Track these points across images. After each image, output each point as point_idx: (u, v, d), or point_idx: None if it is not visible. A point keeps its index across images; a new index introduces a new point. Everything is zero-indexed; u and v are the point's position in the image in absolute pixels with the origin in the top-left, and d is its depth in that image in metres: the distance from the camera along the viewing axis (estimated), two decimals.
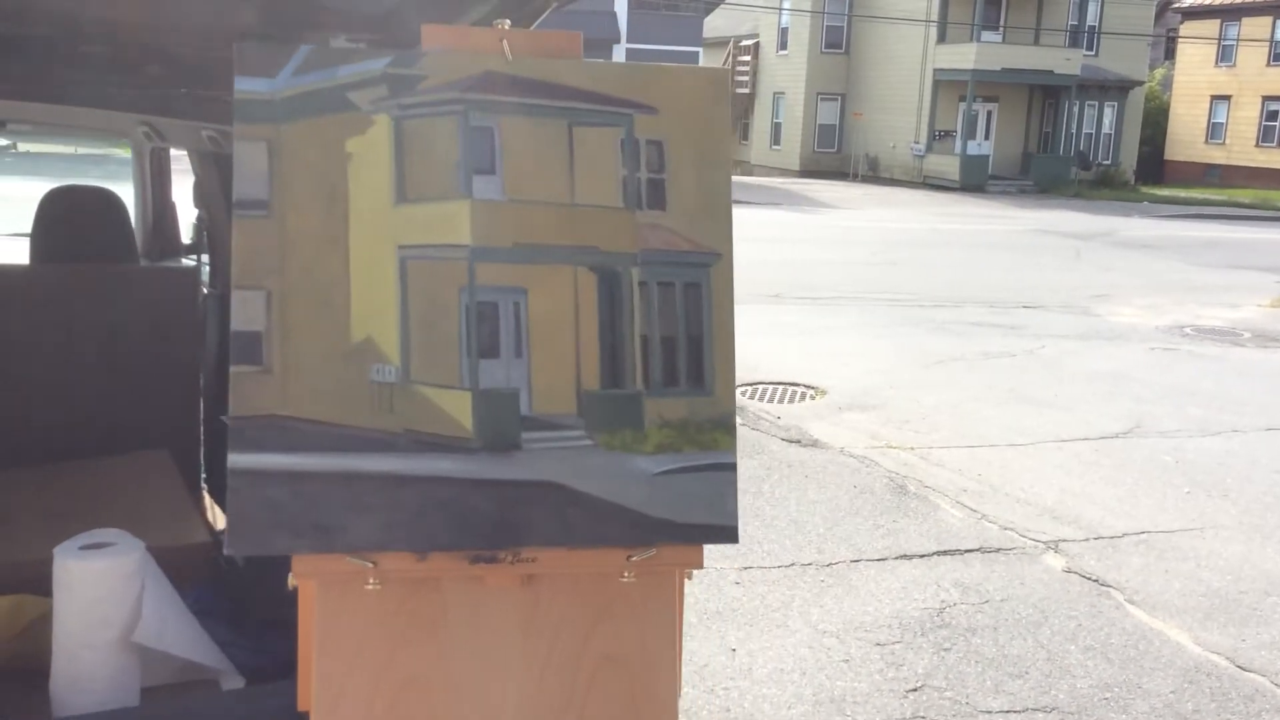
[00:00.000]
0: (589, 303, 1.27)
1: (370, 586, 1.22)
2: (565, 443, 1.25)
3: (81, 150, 8.93)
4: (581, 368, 1.26)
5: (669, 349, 1.28)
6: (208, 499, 3.05)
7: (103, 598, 2.00)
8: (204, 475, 3.16)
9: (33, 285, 3.09)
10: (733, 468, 1.28)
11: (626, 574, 1.27)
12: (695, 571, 4.08)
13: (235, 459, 1.20)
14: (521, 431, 1.24)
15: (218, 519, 2.93)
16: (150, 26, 2.43)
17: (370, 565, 1.21)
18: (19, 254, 4.15)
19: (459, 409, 1.23)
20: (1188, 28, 40.69)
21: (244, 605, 2.40)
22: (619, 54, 31.28)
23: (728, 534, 1.27)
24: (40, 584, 2.17)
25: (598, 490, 1.24)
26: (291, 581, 1.27)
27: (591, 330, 1.27)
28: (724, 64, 40.88)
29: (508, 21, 1.31)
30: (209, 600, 2.37)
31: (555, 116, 1.29)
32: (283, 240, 1.22)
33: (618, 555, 1.26)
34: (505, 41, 1.29)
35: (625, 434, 1.26)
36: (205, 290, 3.36)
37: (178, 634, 2.08)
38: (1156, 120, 40.56)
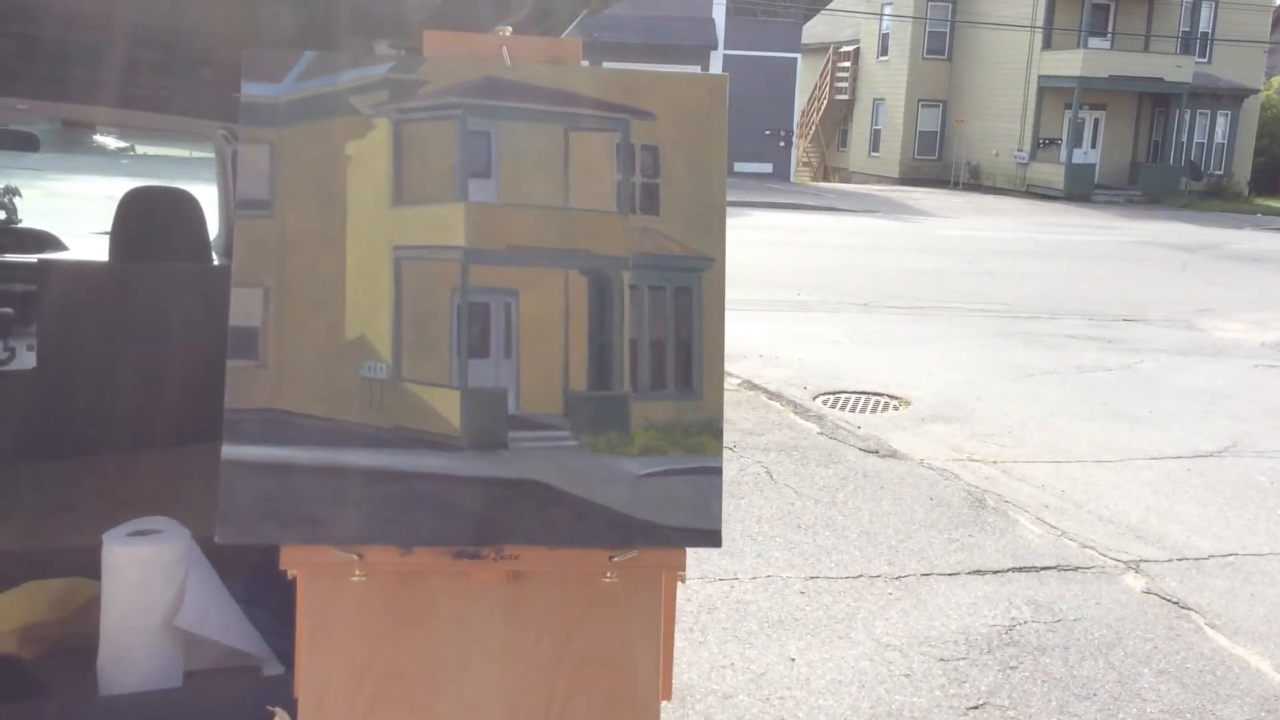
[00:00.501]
0: (579, 305, 1.28)
1: (356, 579, 1.25)
2: (551, 443, 1.27)
3: (196, 154, 9.26)
4: (570, 369, 1.28)
5: (658, 352, 1.29)
6: None
7: (147, 582, 2.08)
8: None
9: (110, 282, 3.22)
10: (718, 472, 1.28)
11: (609, 574, 1.28)
12: (761, 579, 4.02)
13: (228, 450, 1.24)
14: (508, 430, 1.26)
15: None
16: (221, 35, 2.53)
17: (356, 558, 1.25)
18: (98, 251, 4.33)
19: (447, 407, 1.26)
20: None
21: (289, 595, 2.47)
22: (716, 60, 31.25)
23: (711, 538, 1.27)
24: (95, 569, 2.26)
25: (582, 490, 1.26)
26: (290, 572, 1.31)
27: (581, 332, 1.28)
28: (823, 71, 40.59)
29: (510, 29, 1.34)
30: (256, 590, 2.44)
31: (552, 121, 1.30)
32: (282, 239, 1.26)
33: (600, 556, 1.27)
34: (505, 48, 1.31)
35: (611, 435, 1.27)
36: None
37: (220, 620, 2.16)
38: (1273, 130, 39.05)
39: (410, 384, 1.26)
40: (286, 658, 2.25)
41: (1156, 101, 34.31)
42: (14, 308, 3.91)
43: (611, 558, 1.27)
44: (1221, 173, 35.54)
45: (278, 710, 1.53)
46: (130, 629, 2.08)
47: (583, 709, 1.30)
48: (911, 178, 36.99)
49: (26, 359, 3.91)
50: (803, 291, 13.16)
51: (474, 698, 1.29)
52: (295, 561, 1.26)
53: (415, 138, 1.29)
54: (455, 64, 1.30)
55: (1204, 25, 34.85)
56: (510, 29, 1.33)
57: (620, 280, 1.29)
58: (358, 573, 1.24)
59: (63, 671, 2.13)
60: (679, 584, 1.36)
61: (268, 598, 2.46)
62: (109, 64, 2.84)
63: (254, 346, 1.26)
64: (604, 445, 1.27)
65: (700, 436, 1.28)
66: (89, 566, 2.32)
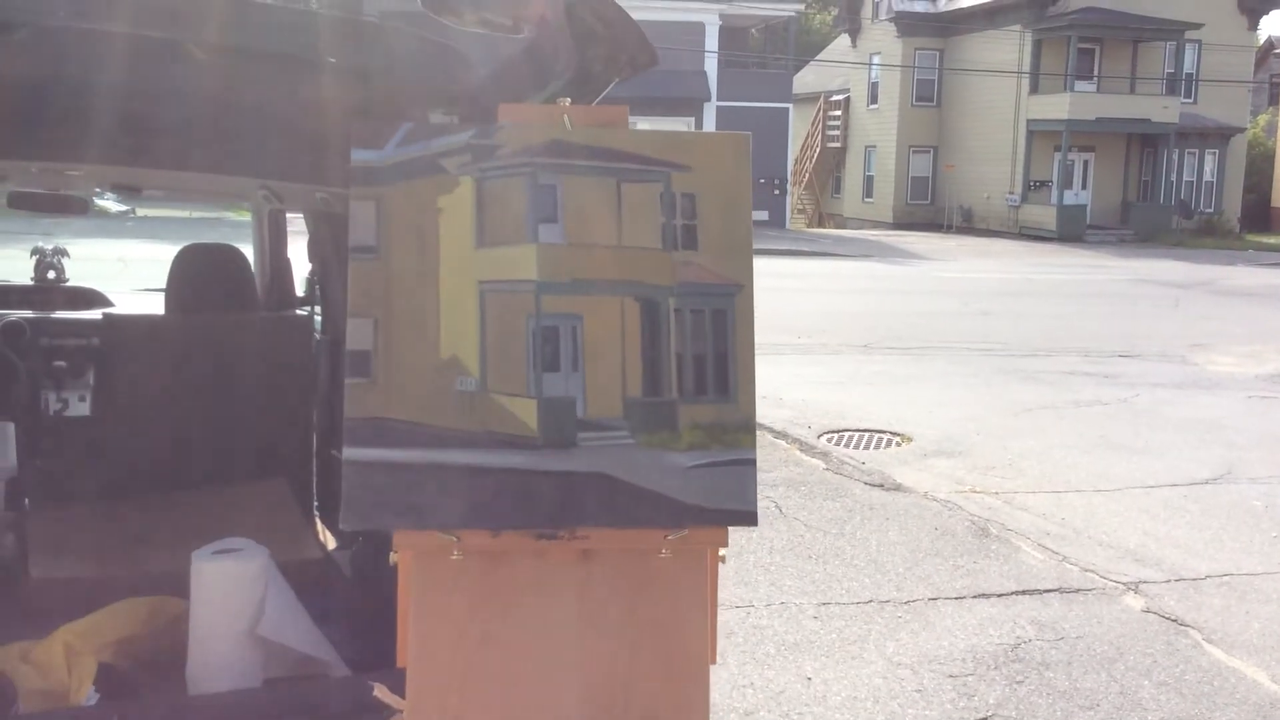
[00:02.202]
0: (633, 327, 1.55)
1: (455, 558, 1.50)
2: (613, 441, 1.53)
3: (196, 214, 9.56)
4: (627, 380, 1.54)
5: (699, 364, 1.55)
6: (319, 523, 3.38)
7: (232, 595, 2.32)
8: (315, 502, 3.49)
9: (168, 333, 3.48)
10: (753, 463, 1.54)
11: (664, 551, 1.53)
12: (775, 605, 4.25)
13: (349, 452, 1.49)
14: (577, 431, 1.53)
15: (328, 540, 3.26)
16: (276, 103, 2.80)
17: (455, 540, 1.49)
18: (142, 306, 4.58)
19: (526, 413, 1.52)
20: None
21: (351, 610, 2.70)
22: (710, 112, 31.82)
23: (747, 518, 1.53)
24: (177, 590, 2.49)
25: (640, 480, 1.51)
26: (393, 558, 1.55)
27: (635, 349, 1.55)
28: (814, 120, 41.21)
29: (569, 99, 1.61)
30: (322, 607, 2.67)
31: (606, 175, 1.58)
32: (387, 278, 1.53)
33: (656, 535, 1.52)
34: (565, 115, 1.59)
35: (663, 434, 1.53)
36: (317, 337, 3.72)
37: (296, 630, 2.39)
38: (1261, 168, 39.58)
39: (495, 394, 1.52)
40: (354, 666, 2.48)
41: (1145, 142, 34.84)
42: (66, 361, 4.16)
43: (666, 536, 1.52)
44: (1212, 210, 35.98)
45: (378, 685, 1.76)
46: (216, 637, 2.31)
47: (645, 667, 1.54)
48: (905, 222, 37.45)
49: (78, 410, 4.15)
50: (803, 335, 13.44)
51: (554, 657, 1.53)
52: (405, 544, 1.50)
53: (494, 191, 1.56)
54: (525, 130, 1.58)
55: (1188, 66, 35.47)
56: (570, 99, 1.60)
57: (667, 305, 1.56)
58: (456, 553, 1.49)
59: (155, 678, 2.36)
60: (720, 563, 1.61)
61: (329, 613, 2.70)
62: (160, 129, 3.10)
63: (367, 366, 1.52)
64: (657, 442, 1.53)
65: (737, 433, 1.54)
66: (169, 589, 2.56)
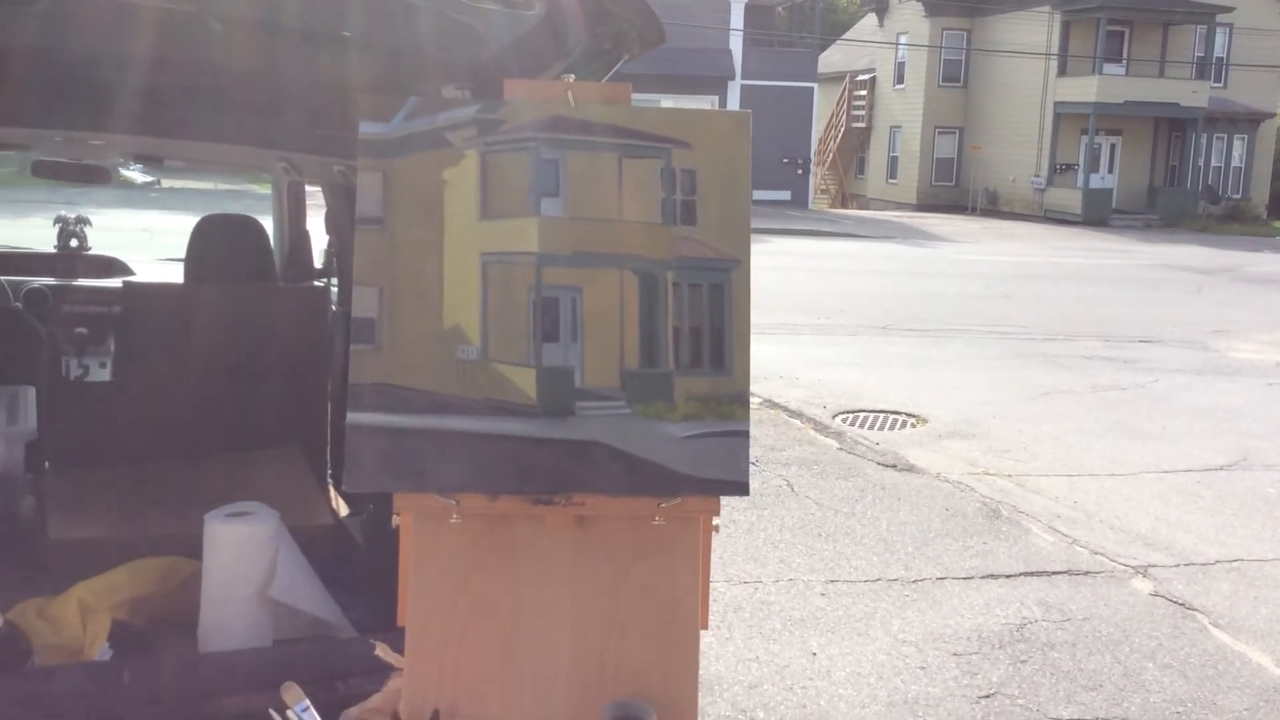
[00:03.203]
0: (632, 299, 1.59)
1: (454, 521, 1.54)
2: (610, 410, 1.57)
3: (221, 186, 9.64)
4: (624, 351, 1.58)
5: (696, 337, 1.59)
6: (332, 490, 3.44)
7: (244, 557, 2.38)
8: (329, 470, 3.55)
9: (187, 302, 3.53)
10: (746, 434, 1.58)
11: (658, 518, 1.57)
12: (783, 581, 4.29)
13: (353, 417, 1.54)
14: (575, 401, 1.57)
15: (341, 507, 3.31)
16: (296, 78, 2.84)
17: (454, 503, 1.54)
18: (163, 275, 4.65)
19: (526, 382, 1.56)
20: None
21: (361, 575, 2.76)
22: (734, 90, 31.67)
23: (739, 488, 1.57)
24: (191, 551, 2.55)
25: (635, 449, 1.55)
26: (395, 520, 1.60)
27: (633, 321, 1.59)
28: (839, 99, 40.98)
29: (573, 76, 1.65)
30: (333, 572, 2.73)
31: (608, 151, 1.61)
32: (392, 248, 1.58)
33: (650, 503, 1.56)
34: (569, 92, 1.62)
35: (659, 405, 1.57)
36: (334, 308, 3.77)
37: (306, 592, 2.45)
38: None
39: (496, 363, 1.56)
40: (362, 630, 2.53)
41: (1173, 126, 34.50)
42: (88, 328, 4.23)
43: (660, 504, 1.56)
44: (1239, 196, 35.63)
45: (380, 644, 1.81)
46: (229, 599, 2.37)
47: (638, 629, 1.58)
48: (929, 204, 37.25)
49: (99, 376, 4.23)
50: (822, 315, 13.44)
51: (549, 619, 1.57)
52: (405, 506, 1.55)
53: (498, 165, 1.59)
54: (529, 106, 1.61)
55: (1219, 50, 35.07)
56: (573, 76, 1.64)
57: (665, 279, 1.59)
58: (455, 515, 1.54)
59: (168, 636, 2.42)
60: (713, 532, 1.65)
61: (339, 578, 2.76)
62: (180, 100, 3.14)
63: (371, 333, 1.56)
64: (653, 412, 1.57)
65: (731, 405, 1.58)
66: (182, 550, 2.62)
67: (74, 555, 2.69)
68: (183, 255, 3.85)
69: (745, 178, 1.63)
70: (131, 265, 5.00)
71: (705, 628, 1.64)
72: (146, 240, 7.43)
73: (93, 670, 2.15)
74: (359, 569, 2.80)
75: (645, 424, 1.56)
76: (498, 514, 1.55)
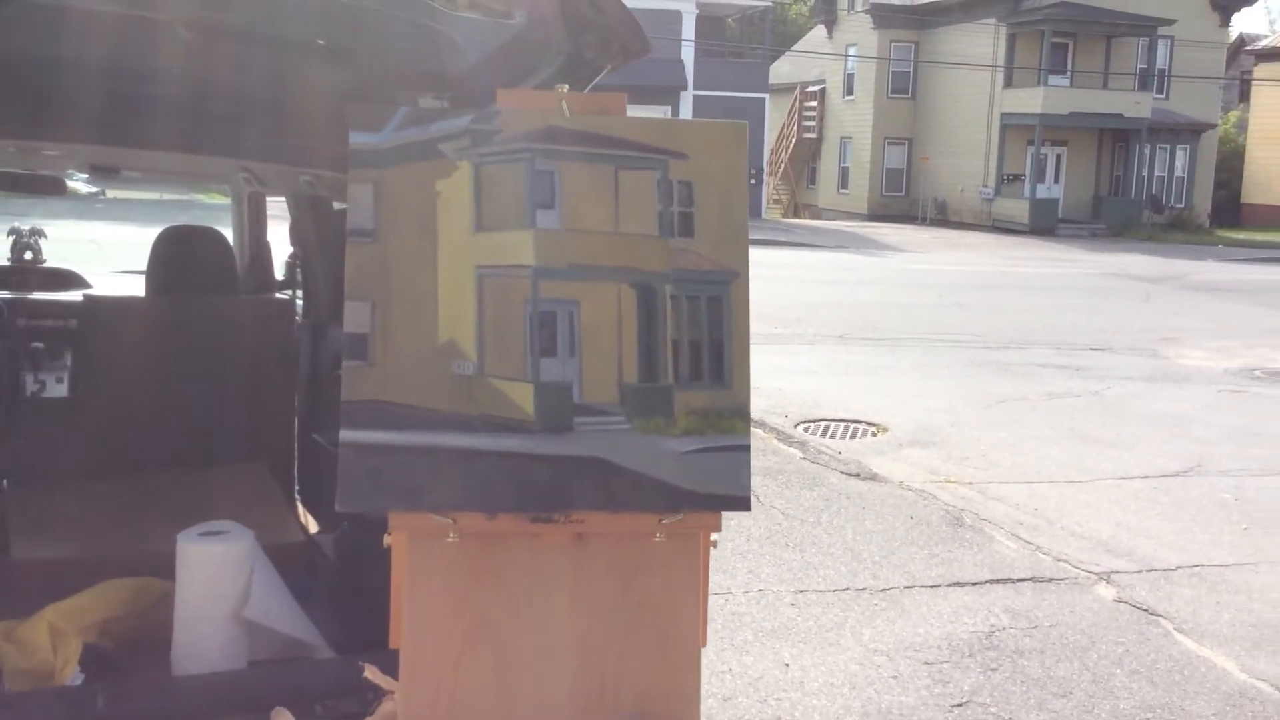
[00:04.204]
0: (630, 313, 1.56)
1: (450, 540, 1.51)
2: (609, 425, 1.54)
3: (167, 197, 9.46)
4: (623, 365, 1.55)
5: (695, 351, 1.56)
6: (300, 507, 3.38)
7: (218, 577, 2.32)
8: (297, 486, 3.48)
9: (148, 315, 3.45)
10: (747, 449, 1.56)
11: (658, 535, 1.54)
12: (753, 593, 4.27)
13: (346, 434, 1.50)
14: (573, 416, 1.54)
15: (310, 524, 3.25)
16: (261, 85, 2.78)
17: (451, 522, 1.50)
18: (120, 289, 4.54)
19: (523, 397, 1.53)
20: (1262, 70, 40.14)
21: (335, 594, 2.70)
22: (686, 101, 31.79)
23: (741, 503, 1.54)
24: (160, 570, 2.49)
25: (635, 465, 1.53)
26: (387, 540, 1.56)
27: (631, 335, 1.56)
28: (790, 110, 41.26)
29: (566, 86, 1.62)
30: (305, 590, 2.67)
31: (604, 162, 1.59)
32: (385, 261, 1.54)
33: (651, 519, 1.54)
34: (564, 102, 1.60)
35: (658, 419, 1.54)
36: (299, 320, 3.71)
37: (282, 612, 2.39)
38: (1232, 164, 39.96)
39: (492, 378, 1.53)
40: (336, 647, 2.48)
41: (1117, 137, 35.09)
42: (44, 343, 4.12)
43: (660, 520, 1.54)
44: (1182, 205, 36.29)
45: (369, 666, 1.76)
46: (202, 619, 2.31)
47: (638, 647, 1.55)
48: (879, 214, 37.58)
49: (56, 392, 4.12)
50: (779, 325, 13.48)
51: (548, 639, 1.54)
52: (400, 526, 1.51)
53: (492, 176, 1.56)
54: (523, 116, 1.58)
55: (1160, 62, 35.73)
56: (567, 86, 1.61)
57: (663, 292, 1.57)
58: (452, 535, 1.50)
59: (140, 659, 2.35)
60: (712, 548, 1.62)
61: (313, 596, 2.70)
62: (141, 108, 3.07)
63: (364, 349, 1.52)
64: (652, 427, 1.54)
65: (732, 420, 1.56)
66: (153, 571, 2.55)
67: (39, 576, 2.61)
68: (139, 268, 3.77)
69: (742, 189, 1.61)
70: (88, 279, 4.89)
71: (704, 645, 1.62)
72: (95, 252, 7.28)
73: (65, 696, 2.08)
74: (331, 588, 2.75)
75: (645, 439, 1.53)
76: (495, 532, 1.52)
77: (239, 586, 2.32)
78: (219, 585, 2.31)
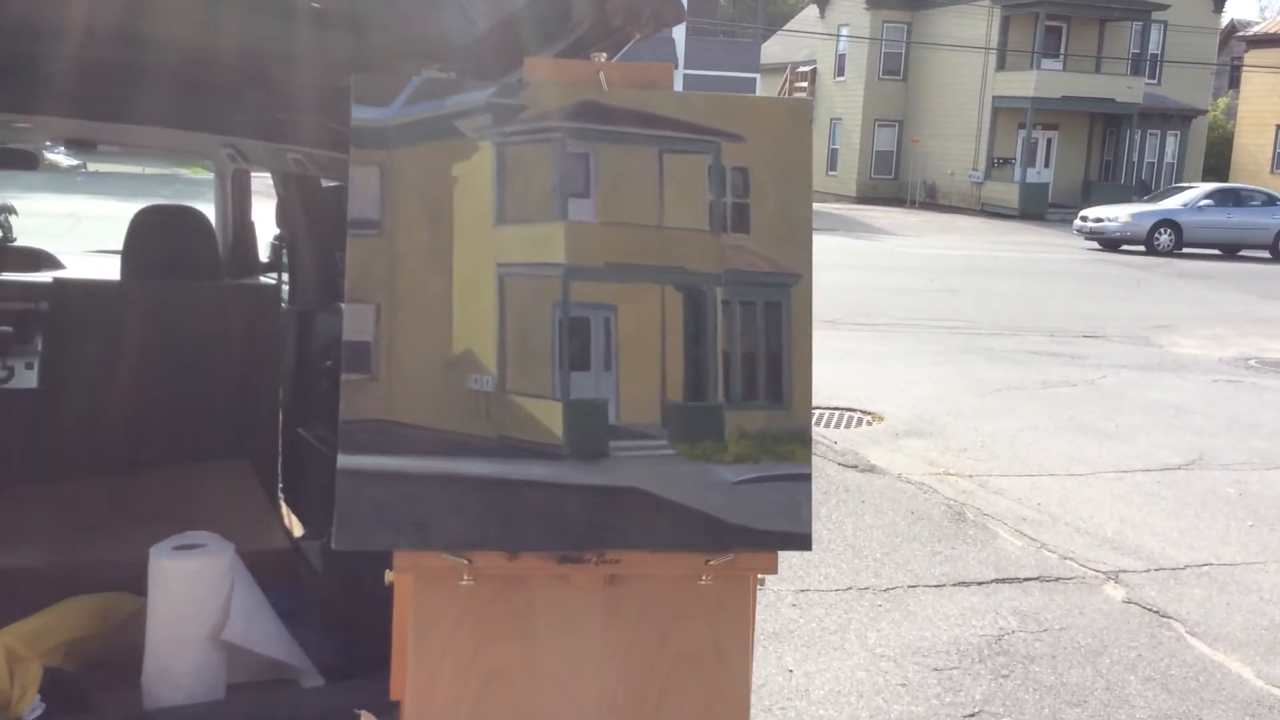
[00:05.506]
0: (675, 319, 1.34)
1: (464, 583, 1.30)
2: (650, 451, 1.32)
3: (149, 170, 9.20)
4: (666, 380, 1.34)
5: (749, 364, 1.35)
6: (285, 508, 3.16)
7: (194, 596, 2.11)
8: (281, 485, 3.27)
9: (124, 300, 3.23)
10: (808, 479, 1.35)
11: (704, 577, 1.33)
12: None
13: (344, 460, 1.28)
14: (609, 440, 1.32)
15: (295, 526, 3.04)
16: (248, 54, 2.55)
17: (465, 562, 1.29)
18: (94, 269, 4.32)
19: (550, 417, 1.31)
20: (1252, 56, 39.99)
21: (322, 609, 2.50)
22: (677, 80, 31.44)
23: (801, 541, 1.34)
24: (131, 583, 2.28)
25: (679, 497, 1.31)
26: (388, 577, 1.35)
27: (676, 345, 1.34)
28: (780, 91, 40.96)
29: (604, 54, 1.40)
30: (289, 603, 2.47)
31: (647, 144, 1.37)
32: (392, 258, 1.31)
33: (696, 559, 1.33)
34: (601, 73, 1.37)
35: (706, 444, 1.33)
36: (284, 306, 3.48)
37: (264, 633, 2.18)
38: (1221, 150, 39.93)
39: (515, 395, 1.31)
40: (324, 669, 2.28)
41: (1108, 121, 34.99)
42: (12, 326, 3.89)
43: (707, 561, 1.33)
44: None
45: (364, 713, 1.56)
46: (176, 642, 2.10)
47: (677, 706, 1.35)
48: (869, 196, 37.39)
49: (26, 378, 3.89)
50: None
51: (574, 696, 1.34)
52: (406, 566, 1.30)
53: (517, 160, 1.34)
54: (554, 89, 1.36)
55: (1153, 47, 35.63)
56: (604, 55, 1.39)
57: (713, 295, 1.35)
58: (466, 577, 1.29)
59: (107, 685, 2.15)
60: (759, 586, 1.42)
61: (298, 611, 2.49)
62: (118, 78, 2.84)
63: (366, 360, 1.30)
64: (699, 453, 1.33)
65: (790, 445, 1.35)
66: (123, 581, 2.34)
67: (1, 587, 2.40)
68: (115, 247, 3.53)
69: (805, 176, 1.39)
70: (60, 258, 4.65)
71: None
72: (73, 227, 7.02)
73: None
74: (319, 601, 2.54)
75: (690, 467, 1.32)
76: (516, 574, 1.31)
77: (217, 605, 2.11)
78: (195, 605, 2.10)
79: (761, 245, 1.37)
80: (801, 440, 1.35)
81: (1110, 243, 25.12)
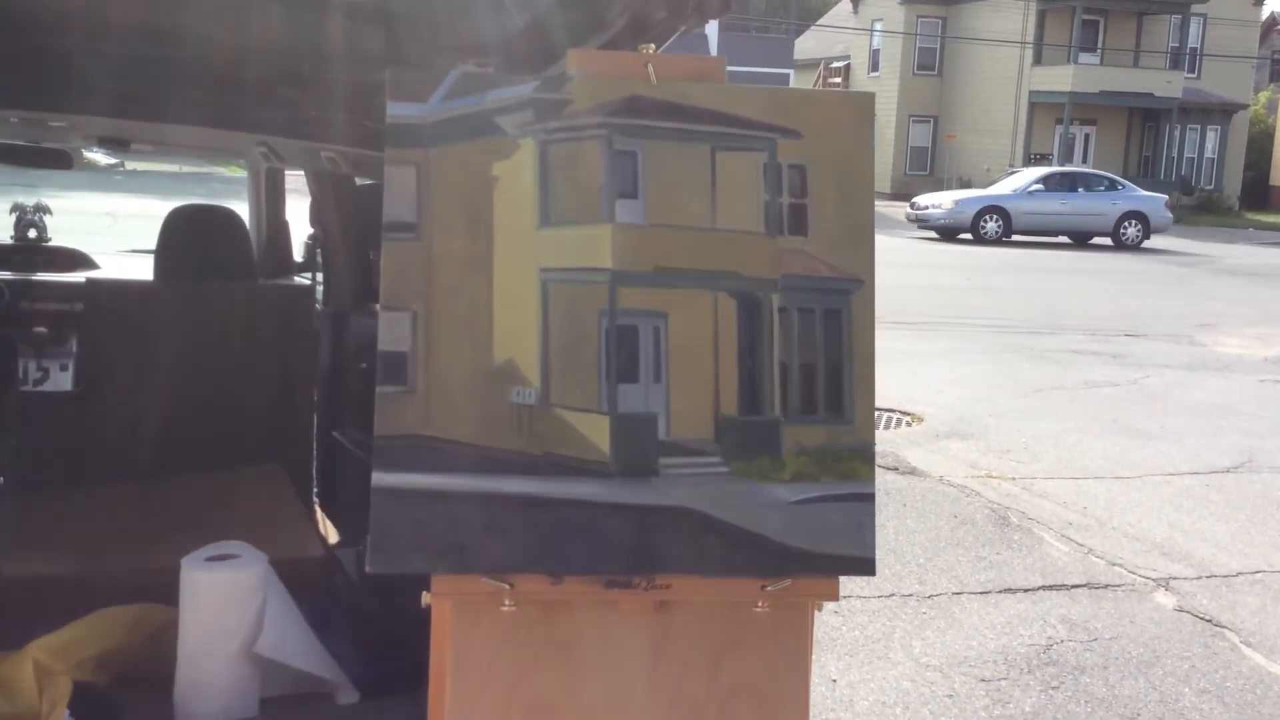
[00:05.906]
0: (728, 328, 1.26)
1: (505, 608, 1.22)
2: (702, 469, 1.24)
3: (185, 169, 9.23)
4: (720, 393, 1.25)
5: (808, 376, 1.27)
6: (320, 513, 3.11)
7: (227, 608, 2.04)
8: (316, 490, 3.21)
9: (158, 301, 3.18)
10: (871, 498, 1.26)
11: (760, 604, 1.25)
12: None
13: (379, 478, 1.21)
14: (659, 457, 1.24)
15: (330, 534, 2.98)
16: (281, 50, 2.50)
17: (507, 587, 1.22)
18: (128, 269, 4.29)
19: (597, 433, 1.23)
20: None
21: (359, 620, 2.43)
22: None
23: (865, 565, 1.25)
24: (162, 591, 2.22)
25: (734, 518, 1.23)
26: (425, 600, 1.27)
27: (730, 356, 1.26)
28: (815, 85, 40.76)
29: (653, 46, 1.31)
30: (324, 614, 2.40)
31: (699, 141, 1.29)
32: (429, 263, 1.24)
33: (752, 585, 1.25)
34: (650, 66, 1.29)
35: (763, 461, 1.25)
36: (319, 308, 3.44)
37: (298, 646, 2.12)
38: (1262, 145, 39.30)
39: (559, 409, 1.24)
40: (359, 684, 2.21)
41: (1147, 117, 34.53)
42: (48, 327, 3.87)
43: (764, 587, 1.24)
44: (1212, 187, 35.75)
45: None
46: (209, 655, 2.04)
47: None
48: (903, 192, 37.06)
49: (60, 380, 3.87)
50: None
51: None
52: (445, 590, 1.23)
53: (561, 158, 1.27)
54: (600, 83, 1.28)
55: (1193, 41, 35.12)
56: (653, 46, 1.31)
57: (769, 302, 1.27)
58: (508, 602, 1.21)
59: (138, 699, 2.09)
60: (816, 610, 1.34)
61: (332, 622, 2.43)
62: (152, 77, 2.80)
63: (403, 372, 1.23)
64: (755, 472, 1.24)
65: (852, 462, 1.26)
66: (155, 590, 2.29)
67: (28, 595, 2.35)
68: (150, 246, 3.49)
69: (868, 175, 1.30)
70: (95, 258, 4.63)
71: None
72: (110, 226, 7.02)
73: None
74: (354, 611, 2.48)
75: (745, 486, 1.24)
76: (560, 600, 1.23)
77: (250, 618, 2.05)
78: (227, 618, 2.03)
79: (820, 249, 1.28)
80: (864, 457, 1.27)
81: (945, 231, 24.36)
